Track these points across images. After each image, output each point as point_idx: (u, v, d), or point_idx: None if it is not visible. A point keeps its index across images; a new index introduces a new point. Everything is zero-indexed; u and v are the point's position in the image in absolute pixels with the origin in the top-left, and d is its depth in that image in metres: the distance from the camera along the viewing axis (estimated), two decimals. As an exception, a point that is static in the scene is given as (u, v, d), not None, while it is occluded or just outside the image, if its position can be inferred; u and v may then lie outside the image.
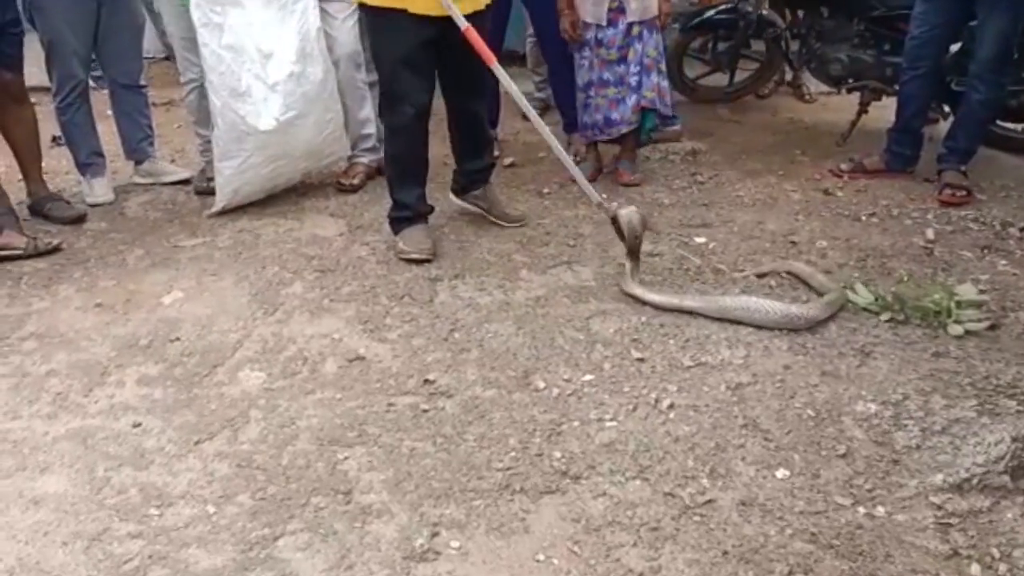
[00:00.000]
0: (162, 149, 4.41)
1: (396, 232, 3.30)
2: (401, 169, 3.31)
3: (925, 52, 3.76)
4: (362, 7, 3.18)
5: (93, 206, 3.76)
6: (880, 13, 4.24)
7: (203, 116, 3.82)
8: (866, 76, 4.35)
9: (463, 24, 2.92)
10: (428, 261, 3.18)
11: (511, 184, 3.97)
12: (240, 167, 3.55)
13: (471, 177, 3.49)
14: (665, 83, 3.79)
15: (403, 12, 2.94)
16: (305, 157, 3.72)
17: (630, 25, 3.66)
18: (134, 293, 3.04)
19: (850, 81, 4.44)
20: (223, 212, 3.64)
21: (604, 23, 3.66)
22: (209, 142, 3.87)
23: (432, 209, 3.43)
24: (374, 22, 3.10)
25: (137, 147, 3.97)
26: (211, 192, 3.80)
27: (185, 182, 4.00)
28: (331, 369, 2.60)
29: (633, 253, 2.94)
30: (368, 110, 3.90)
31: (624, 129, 3.82)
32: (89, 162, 3.79)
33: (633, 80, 3.70)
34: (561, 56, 3.99)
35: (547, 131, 3.09)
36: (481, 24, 3.06)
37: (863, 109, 4.38)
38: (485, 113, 3.42)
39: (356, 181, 3.87)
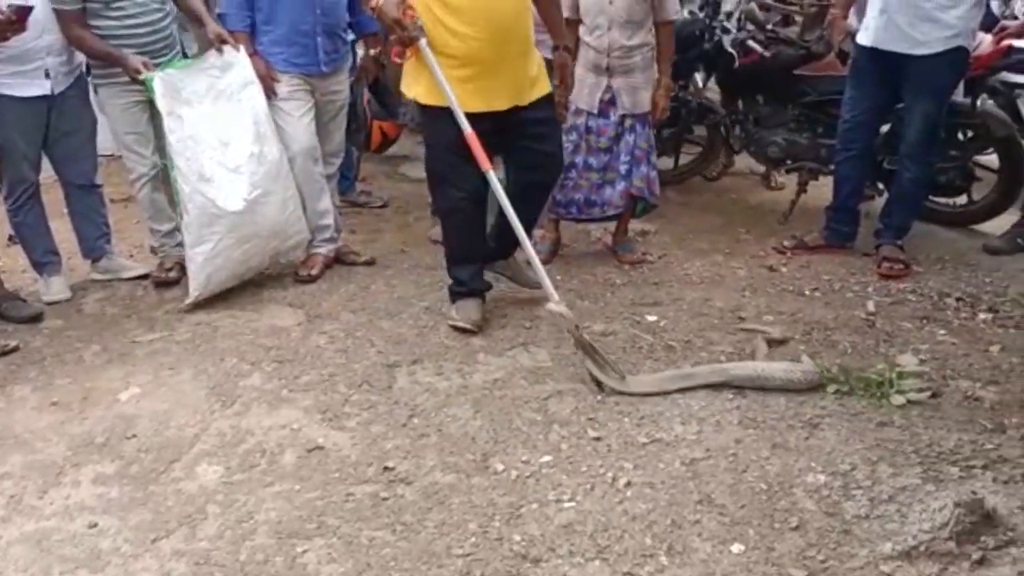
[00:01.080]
0: (120, 245, 4.41)
1: (452, 302, 3.47)
2: (453, 248, 3.47)
3: (856, 135, 3.96)
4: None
5: (50, 304, 3.75)
6: (812, 99, 4.45)
7: (156, 210, 3.87)
8: (802, 158, 4.54)
9: (467, 129, 3.07)
10: (474, 333, 3.31)
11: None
12: (212, 252, 3.57)
13: (502, 245, 3.55)
14: (654, 173, 3.94)
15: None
16: (273, 236, 3.75)
17: (623, 117, 3.81)
18: (91, 391, 3.03)
19: (788, 163, 4.64)
20: (196, 304, 3.65)
21: (596, 111, 3.80)
22: (167, 235, 3.92)
23: (489, 286, 3.55)
24: (425, 113, 3.27)
25: (94, 245, 3.99)
26: (170, 283, 3.83)
27: (144, 277, 4.01)
28: (290, 460, 2.60)
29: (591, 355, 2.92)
30: (327, 202, 3.98)
31: (610, 212, 3.94)
32: (44, 261, 3.80)
33: (623, 168, 3.85)
34: None
35: (528, 244, 3.18)
36: (543, 115, 3.26)
37: (802, 189, 4.56)
38: (547, 196, 3.55)
39: (315, 271, 3.92)
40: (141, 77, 3.48)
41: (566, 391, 2.89)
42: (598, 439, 2.61)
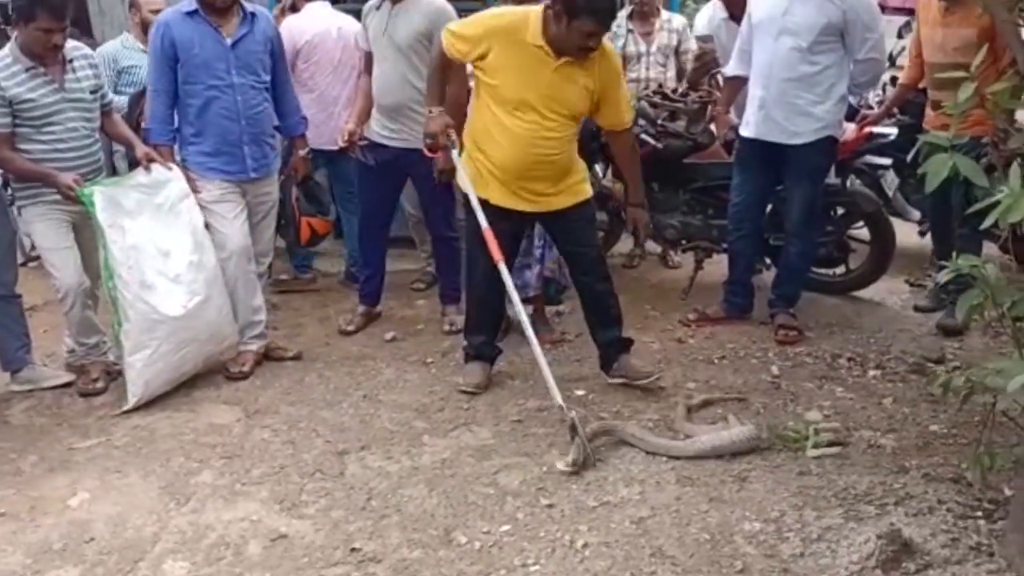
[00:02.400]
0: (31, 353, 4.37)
1: (464, 363, 3.83)
2: (469, 316, 3.84)
3: (745, 216, 4.37)
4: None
5: (-27, 418, 3.69)
6: (701, 184, 4.87)
7: (86, 327, 3.89)
8: (696, 238, 4.93)
9: (483, 224, 3.38)
10: (475, 393, 3.64)
11: (396, 357, 4.19)
12: (152, 357, 3.62)
13: (605, 350, 3.73)
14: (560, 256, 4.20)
15: (486, 201, 3.43)
16: (209, 340, 3.83)
17: None
18: (37, 500, 3.01)
19: (684, 243, 5.03)
20: (136, 408, 3.65)
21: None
22: (93, 348, 3.92)
23: (498, 351, 3.85)
24: (466, 201, 3.53)
25: (14, 356, 3.94)
26: (97, 393, 3.82)
27: (67, 385, 3.98)
28: (255, 551, 2.67)
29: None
30: (259, 298, 4.09)
31: (530, 293, 4.16)
32: (-34, 376, 3.74)
33: (537, 252, 4.10)
34: (444, 231, 4.40)
35: (534, 342, 3.38)
36: (573, 215, 3.56)
37: (698, 266, 4.94)
38: (609, 289, 3.69)
39: (246, 368, 3.99)
40: (75, 193, 3.53)
41: (513, 465, 3.07)
42: (551, 506, 2.79)
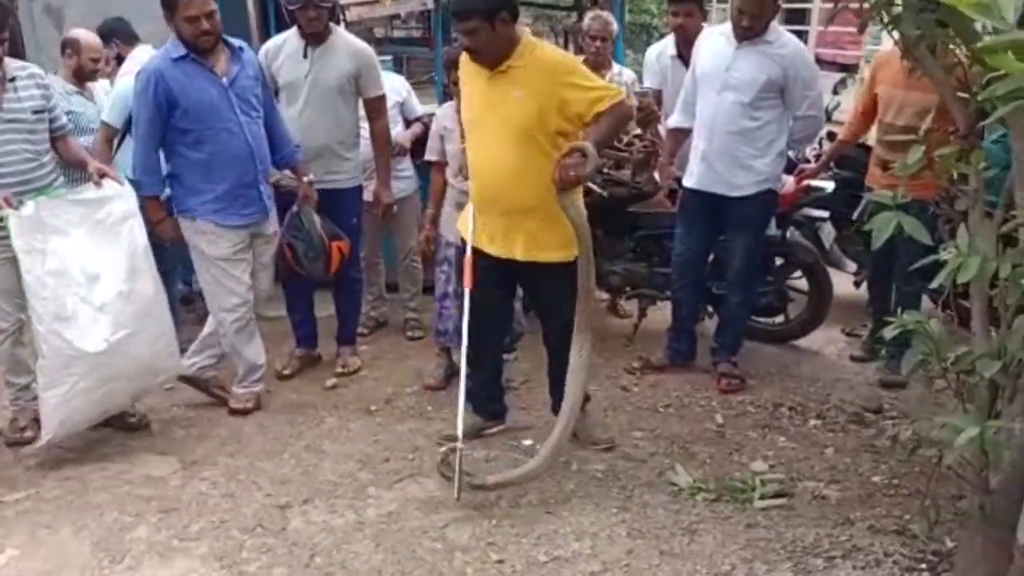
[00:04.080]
0: None
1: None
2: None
3: (688, 266, 4.42)
4: None
5: None
6: (646, 233, 4.93)
7: (15, 364, 3.72)
8: (641, 286, 4.98)
9: (468, 252, 3.37)
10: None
11: (337, 404, 4.12)
12: (67, 395, 3.38)
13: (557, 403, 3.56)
14: (518, 304, 4.11)
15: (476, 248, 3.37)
16: (138, 375, 3.61)
17: None
18: (-40, 557, 2.86)
19: (628, 290, 5.07)
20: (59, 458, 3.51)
21: (459, 243, 4.00)
22: (23, 389, 3.76)
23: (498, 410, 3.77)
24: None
25: None
26: (25, 443, 3.66)
27: (-11, 433, 3.81)
28: (194, 611, 2.57)
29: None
30: (259, 343, 4.08)
31: None
32: None
33: None
34: (350, 272, 4.42)
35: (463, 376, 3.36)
36: (544, 272, 3.33)
37: (642, 314, 4.99)
38: (564, 342, 3.37)
39: (251, 405, 4.00)
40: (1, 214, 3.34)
41: (462, 518, 3.03)
42: (501, 561, 2.76)
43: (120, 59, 4.85)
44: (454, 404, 4.01)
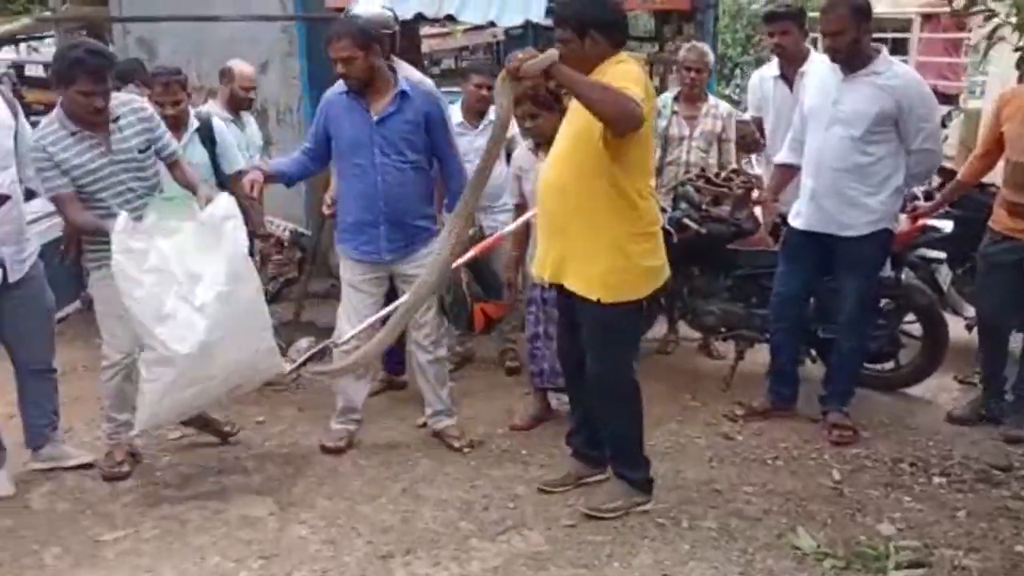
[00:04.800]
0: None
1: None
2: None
3: (788, 308, 4.23)
4: None
5: (-9, 502, 3.50)
6: (745, 272, 4.75)
7: (120, 399, 3.71)
8: (738, 326, 4.79)
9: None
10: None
11: (429, 444, 4.01)
12: (161, 391, 3.35)
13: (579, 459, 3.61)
14: None
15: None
16: (233, 374, 3.51)
17: None
18: (63, 601, 2.82)
19: (723, 331, 4.89)
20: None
21: (547, 284, 3.90)
22: (122, 425, 3.74)
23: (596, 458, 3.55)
24: None
25: (39, 433, 3.77)
26: (122, 477, 3.64)
27: (88, 466, 3.80)
28: (301, 670, 2.47)
29: None
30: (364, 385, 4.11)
31: (547, 384, 4.02)
32: (-12, 457, 3.56)
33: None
34: None
35: None
36: (583, 308, 3.19)
37: (739, 356, 4.79)
38: (605, 411, 3.39)
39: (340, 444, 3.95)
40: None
41: (571, 577, 2.89)
42: (619, 628, 2.60)
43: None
44: (549, 447, 3.94)
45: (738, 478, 3.64)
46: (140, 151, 3.54)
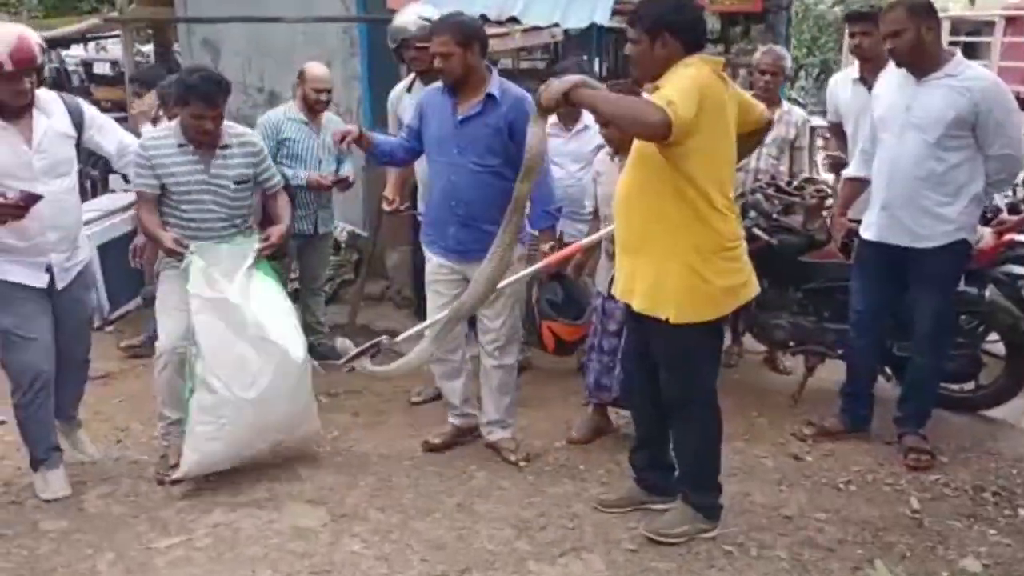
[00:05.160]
0: (102, 427, 4.21)
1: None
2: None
3: (867, 325, 4.03)
4: None
5: (48, 502, 3.48)
6: (816, 285, 4.55)
7: (171, 395, 3.69)
8: (808, 341, 4.59)
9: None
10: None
11: (484, 457, 3.89)
12: (212, 435, 3.48)
13: (647, 484, 3.45)
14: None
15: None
16: (279, 430, 3.69)
17: None
18: (114, 611, 2.77)
19: (792, 345, 4.70)
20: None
21: (607, 293, 3.77)
22: (174, 424, 3.72)
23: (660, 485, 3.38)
24: None
25: (65, 410, 3.78)
26: (173, 482, 3.60)
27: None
28: None
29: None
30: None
31: (608, 397, 3.89)
32: (45, 457, 3.54)
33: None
34: None
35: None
36: (654, 328, 3.06)
37: (809, 372, 4.59)
38: (680, 433, 3.29)
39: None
40: (177, 251, 3.55)
41: (633, 606, 2.76)
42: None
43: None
44: (607, 463, 3.81)
45: (809, 503, 3.46)
46: (236, 183, 3.69)
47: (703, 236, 2.94)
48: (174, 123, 3.70)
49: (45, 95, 3.41)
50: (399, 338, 3.60)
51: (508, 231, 3.08)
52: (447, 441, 3.99)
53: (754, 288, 3.16)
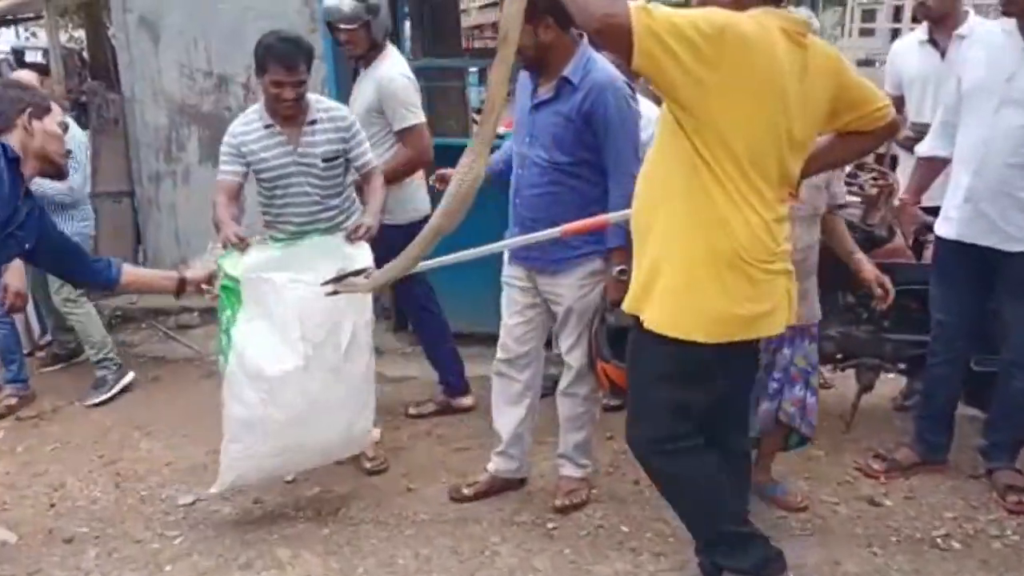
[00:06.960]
0: (32, 485, 3.55)
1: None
2: None
3: (952, 339, 3.42)
4: None
5: None
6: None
7: None
8: (861, 353, 3.95)
9: None
10: None
11: (502, 519, 3.23)
12: (245, 453, 3.16)
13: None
14: (813, 400, 3.21)
15: None
16: (325, 450, 3.33)
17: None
18: None
19: (840, 358, 4.06)
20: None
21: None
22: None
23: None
24: None
25: None
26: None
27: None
28: None
29: None
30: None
31: (750, 434, 3.18)
32: None
33: (772, 387, 3.13)
34: None
35: None
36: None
37: (864, 388, 3.94)
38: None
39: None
40: (232, 244, 3.11)
41: None
42: None
43: None
44: (654, 522, 3.14)
45: (914, 572, 2.82)
46: (325, 159, 3.36)
47: (717, 238, 2.23)
48: (259, 103, 3.35)
49: None
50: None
51: (480, 136, 2.26)
52: (480, 490, 3.38)
53: (780, 323, 2.41)
